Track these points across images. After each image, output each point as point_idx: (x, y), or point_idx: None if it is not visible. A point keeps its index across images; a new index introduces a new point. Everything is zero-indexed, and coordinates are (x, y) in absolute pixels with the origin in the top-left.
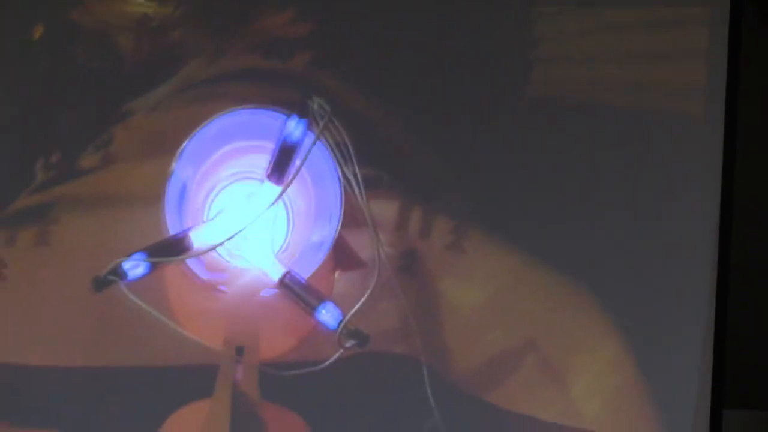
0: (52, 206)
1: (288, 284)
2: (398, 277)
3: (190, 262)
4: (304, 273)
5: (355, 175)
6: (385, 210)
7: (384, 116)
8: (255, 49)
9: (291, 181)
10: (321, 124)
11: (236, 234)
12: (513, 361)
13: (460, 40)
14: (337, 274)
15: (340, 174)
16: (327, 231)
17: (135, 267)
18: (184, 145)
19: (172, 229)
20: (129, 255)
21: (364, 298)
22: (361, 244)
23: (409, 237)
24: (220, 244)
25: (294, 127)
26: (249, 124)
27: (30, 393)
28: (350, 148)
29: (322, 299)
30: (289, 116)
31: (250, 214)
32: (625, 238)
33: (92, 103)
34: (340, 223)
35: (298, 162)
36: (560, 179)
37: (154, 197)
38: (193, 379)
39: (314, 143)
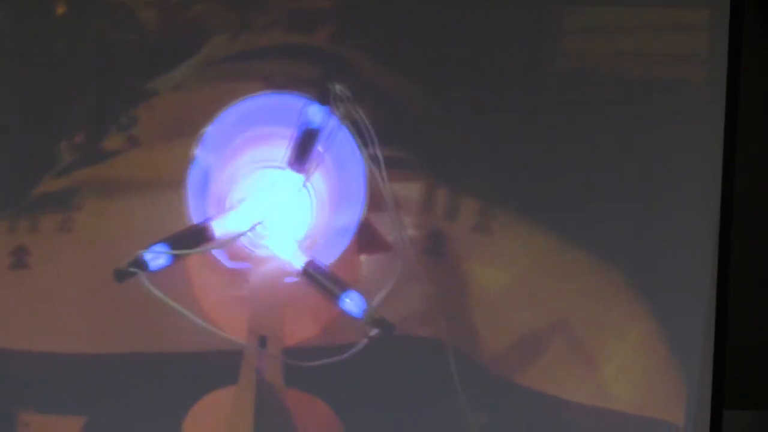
0: (76, 192)
1: (311, 273)
2: (424, 259)
3: (214, 251)
4: (328, 259)
5: (377, 156)
6: (410, 191)
7: (409, 94)
8: (277, 23)
9: (313, 170)
10: (342, 109)
11: (259, 224)
12: (542, 342)
13: (485, 14)
14: (362, 257)
15: (362, 156)
16: (351, 216)
17: (156, 258)
18: (204, 130)
19: (195, 217)
20: (152, 243)
21: (388, 289)
22: (386, 227)
23: (435, 219)
24: (243, 234)
25: (314, 114)
26: (270, 109)
27: (56, 381)
28: (371, 130)
29: (345, 288)
30: (309, 101)
31: (273, 202)
32: (654, 218)
33: (115, 82)
34: (364, 208)
35: (320, 149)
36: (591, 159)
37: (178, 182)
38: (218, 366)
39: (335, 130)
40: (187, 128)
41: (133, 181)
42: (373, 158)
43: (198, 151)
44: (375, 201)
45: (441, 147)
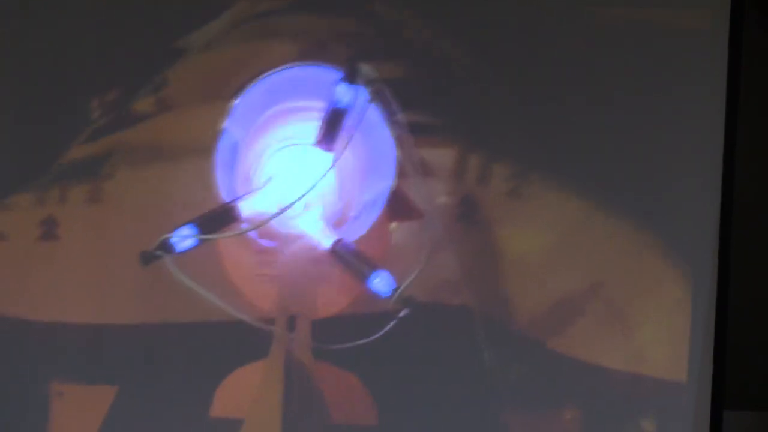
0: (105, 159)
1: (339, 252)
2: (456, 225)
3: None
4: (358, 232)
5: (403, 123)
6: (442, 157)
7: (442, 54)
8: None
9: (342, 149)
10: (370, 89)
11: (288, 207)
12: (576, 308)
13: None
14: (393, 225)
15: (390, 126)
16: (380, 188)
17: (183, 240)
18: (233, 102)
19: (224, 193)
20: (182, 216)
21: (419, 267)
22: (418, 195)
23: (467, 184)
24: (273, 217)
25: (343, 93)
26: (299, 82)
27: (88, 351)
28: (395, 103)
29: (374, 267)
30: (338, 78)
31: (301, 181)
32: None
33: (146, 39)
34: (394, 178)
35: (348, 128)
36: (624, 123)
37: (209, 149)
38: (249, 339)
39: (363, 108)
40: (218, 88)
41: (164, 148)
42: (401, 126)
43: (227, 124)
44: (404, 170)
45: (473, 111)
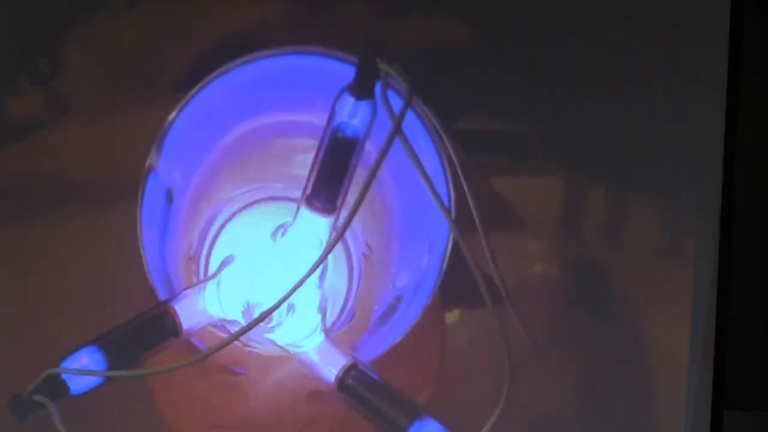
0: None
1: (353, 388)
2: (570, 315)
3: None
4: (384, 345)
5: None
6: (536, 193)
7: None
8: None
9: (355, 212)
10: (399, 109)
11: (266, 314)
12: None
13: None
14: (452, 315)
15: (442, 159)
16: (425, 266)
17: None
18: (170, 118)
19: (155, 277)
20: (80, 336)
21: (495, 415)
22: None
23: (586, 240)
24: (241, 332)
25: (350, 112)
26: (278, 82)
27: None
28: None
29: (414, 414)
30: (343, 84)
31: (281, 265)
32: None
33: None
34: (449, 247)
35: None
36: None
37: (128, 197)
38: None
39: (391, 141)
40: (148, 84)
41: (57, 183)
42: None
43: (158, 160)
44: (466, 222)
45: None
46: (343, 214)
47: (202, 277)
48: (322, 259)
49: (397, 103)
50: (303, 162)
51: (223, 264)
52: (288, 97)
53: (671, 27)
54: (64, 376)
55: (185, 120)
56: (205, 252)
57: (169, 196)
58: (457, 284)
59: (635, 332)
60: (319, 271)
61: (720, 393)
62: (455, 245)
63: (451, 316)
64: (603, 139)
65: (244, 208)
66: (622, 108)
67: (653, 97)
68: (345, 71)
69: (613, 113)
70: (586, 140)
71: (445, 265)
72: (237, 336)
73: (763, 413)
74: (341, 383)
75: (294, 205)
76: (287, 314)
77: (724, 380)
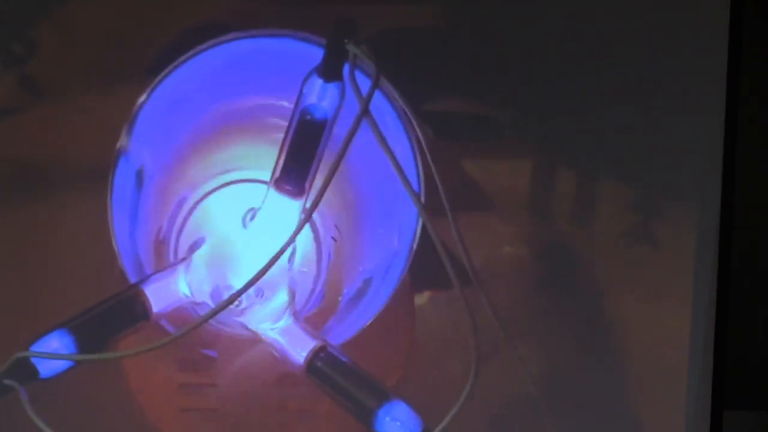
0: None
1: (322, 370)
2: (537, 295)
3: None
4: (353, 329)
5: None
6: (505, 175)
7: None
8: None
9: (322, 193)
10: (366, 90)
11: (236, 295)
12: None
13: None
14: (422, 297)
15: (411, 141)
16: (394, 248)
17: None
18: (140, 101)
19: (125, 259)
20: (49, 319)
21: (463, 396)
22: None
23: (556, 223)
24: (210, 315)
25: (318, 94)
26: (248, 65)
27: None
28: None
29: (383, 397)
30: (312, 67)
31: (251, 249)
32: None
33: None
34: (418, 229)
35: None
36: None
37: (103, 174)
38: None
39: (359, 122)
40: (121, 67)
41: (33, 171)
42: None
43: (127, 143)
44: (437, 205)
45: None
46: (312, 196)
47: (172, 260)
48: (290, 241)
49: (365, 85)
50: (273, 144)
51: (193, 247)
52: (258, 80)
53: (669, 21)
54: (33, 359)
55: (155, 103)
56: (174, 235)
57: (140, 178)
58: (427, 267)
59: (604, 314)
60: (287, 254)
61: (720, 393)
62: (425, 227)
63: (421, 299)
64: (574, 122)
65: (215, 190)
66: (601, 93)
67: (629, 80)
68: (315, 54)
69: (588, 98)
70: (556, 123)
71: (415, 247)
72: (206, 319)
73: (763, 413)
74: (310, 365)
75: (264, 188)
76: (256, 297)
77: (724, 380)
